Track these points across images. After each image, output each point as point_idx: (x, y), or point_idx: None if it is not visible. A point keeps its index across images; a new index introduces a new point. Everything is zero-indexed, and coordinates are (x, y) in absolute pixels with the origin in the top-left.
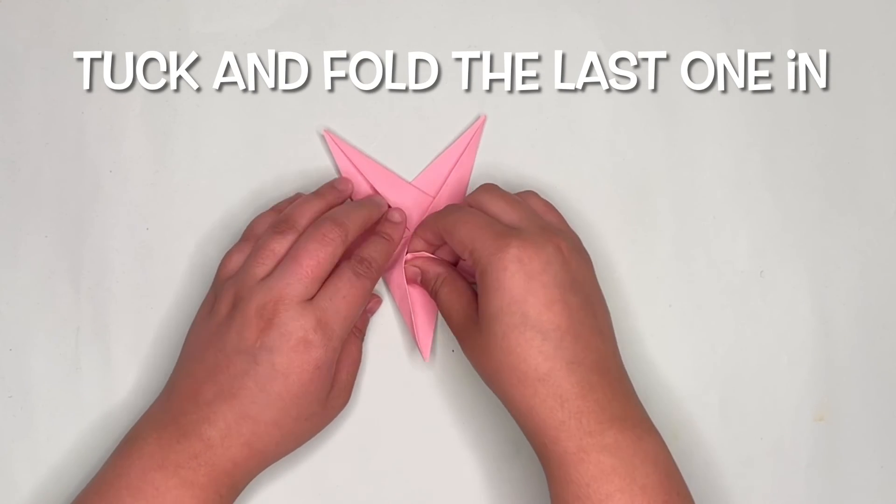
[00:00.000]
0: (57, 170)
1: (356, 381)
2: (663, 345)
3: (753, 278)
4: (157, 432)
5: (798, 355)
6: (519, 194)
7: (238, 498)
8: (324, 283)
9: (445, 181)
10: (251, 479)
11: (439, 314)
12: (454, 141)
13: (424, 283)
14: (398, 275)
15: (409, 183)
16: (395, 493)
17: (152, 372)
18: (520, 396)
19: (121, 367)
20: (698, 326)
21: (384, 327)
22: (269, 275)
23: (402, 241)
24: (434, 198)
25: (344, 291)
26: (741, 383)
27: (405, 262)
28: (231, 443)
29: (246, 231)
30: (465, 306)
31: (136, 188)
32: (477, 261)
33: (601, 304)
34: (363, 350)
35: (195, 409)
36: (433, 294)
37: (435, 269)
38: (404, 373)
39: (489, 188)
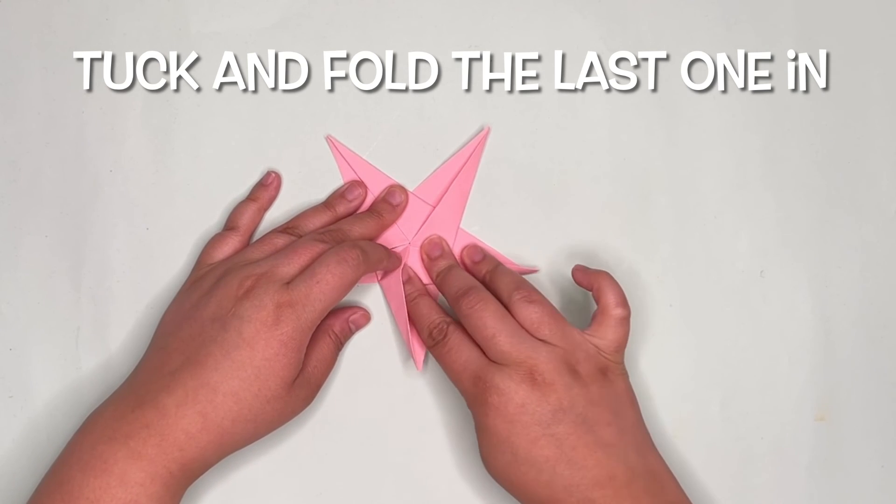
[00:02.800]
0: (57, 170)
1: (353, 388)
2: (663, 345)
3: (753, 278)
4: (113, 405)
5: (798, 355)
6: (515, 299)
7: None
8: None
9: (446, 191)
10: (206, 467)
11: None
12: (457, 151)
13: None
14: (395, 283)
15: (410, 192)
16: (392, 499)
17: None
18: None
19: (121, 367)
20: (698, 326)
21: (381, 332)
22: (264, 259)
23: (402, 250)
24: (434, 207)
25: (320, 276)
26: (741, 383)
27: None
28: (185, 411)
29: (227, 220)
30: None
31: (136, 188)
32: (464, 398)
33: (604, 411)
34: (350, 355)
35: (158, 379)
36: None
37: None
38: (401, 376)
39: (494, 283)
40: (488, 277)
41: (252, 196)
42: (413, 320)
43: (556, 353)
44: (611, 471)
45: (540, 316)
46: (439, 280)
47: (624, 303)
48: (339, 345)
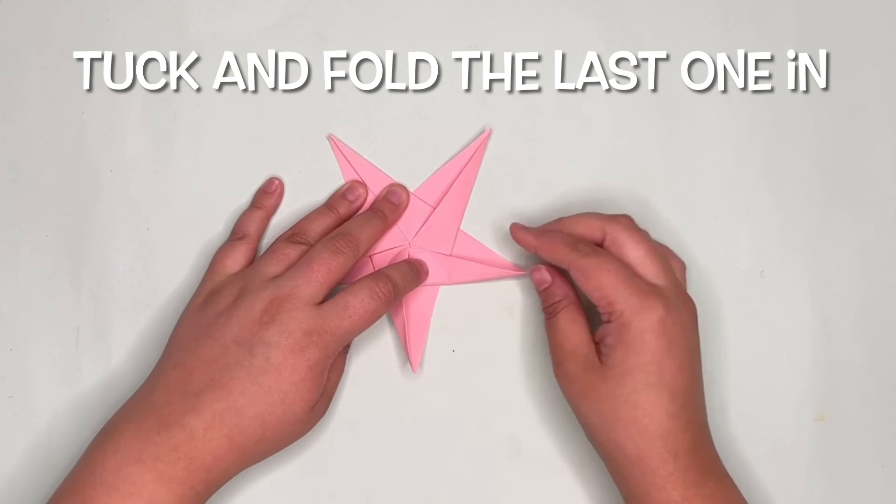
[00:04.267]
0: (57, 170)
1: (353, 388)
2: None
3: (753, 278)
4: (135, 424)
5: (798, 355)
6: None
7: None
8: (340, 291)
9: (447, 193)
10: (227, 480)
11: (431, 324)
12: (458, 152)
13: (546, 296)
14: None
15: (411, 192)
16: (393, 499)
17: None
18: (633, 446)
19: (121, 367)
20: (698, 326)
21: (379, 333)
22: (280, 275)
23: (401, 250)
24: (434, 208)
25: (352, 310)
26: (741, 383)
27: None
28: (213, 434)
29: (235, 229)
30: (580, 342)
31: (136, 188)
32: (618, 314)
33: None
34: (351, 359)
35: (182, 400)
36: (551, 313)
37: (563, 290)
38: (399, 375)
39: (628, 227)
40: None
41: (257, 204)
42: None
43: (691, 302)
44: (706, 422)
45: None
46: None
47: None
48: (347, 350)
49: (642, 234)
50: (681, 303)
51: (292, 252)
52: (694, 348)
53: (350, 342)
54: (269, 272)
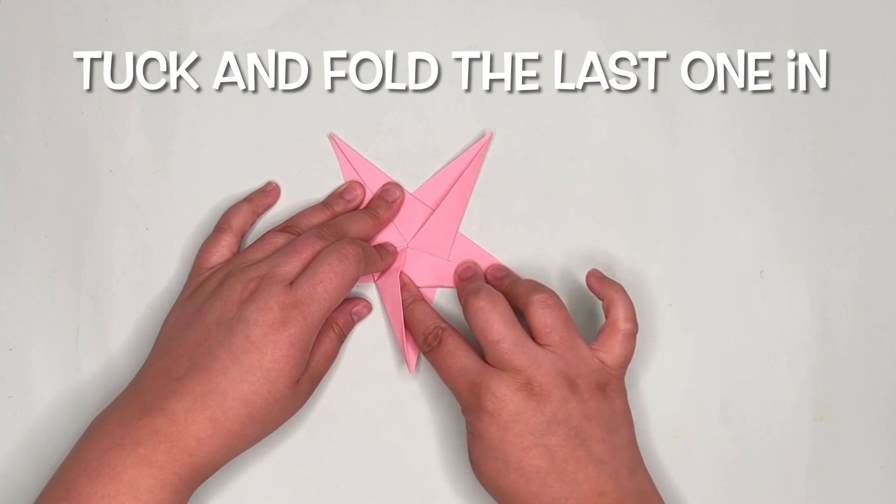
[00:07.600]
0: (57, 170)
1: (351, 389)
2: (663, 345)
3: (753, 278)
4: (119, 411)
5: (798, 355)
6: (534, 299)
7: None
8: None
9: (446, 195)
10: (215, 469)
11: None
12: (459, 154)
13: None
14: (392, 283)
15: (410, 194)
16: (392, 499)
17: None
18: None
19: (121, 368)
20: (698, 326)
21: (376, 334)
22: (265, 259)
23: (400, 250)
24: (434, 210)
25: (322, 276)
26: (741, 383)
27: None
28: (195, 417)
29: (219, 221)
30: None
31: (136, 188)
32: (459, 403)
33: (599, 427)
34: (350, 360)
35: (164, 385)
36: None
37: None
38: (396, 376)
39: (526, 294)
40: (509, 286)
41: (248, 199)
42: (408, 325)
43: (558, 364)
44: (601, 487)
45: (554, 321)
46: (460, 286)
47: (633, 318)
48: (343, 337)
49: (502, 309)
50: (516, 386)
51: (279, 240)
52: (541, 427)
53: (345, 332)
54: (255, 258)
